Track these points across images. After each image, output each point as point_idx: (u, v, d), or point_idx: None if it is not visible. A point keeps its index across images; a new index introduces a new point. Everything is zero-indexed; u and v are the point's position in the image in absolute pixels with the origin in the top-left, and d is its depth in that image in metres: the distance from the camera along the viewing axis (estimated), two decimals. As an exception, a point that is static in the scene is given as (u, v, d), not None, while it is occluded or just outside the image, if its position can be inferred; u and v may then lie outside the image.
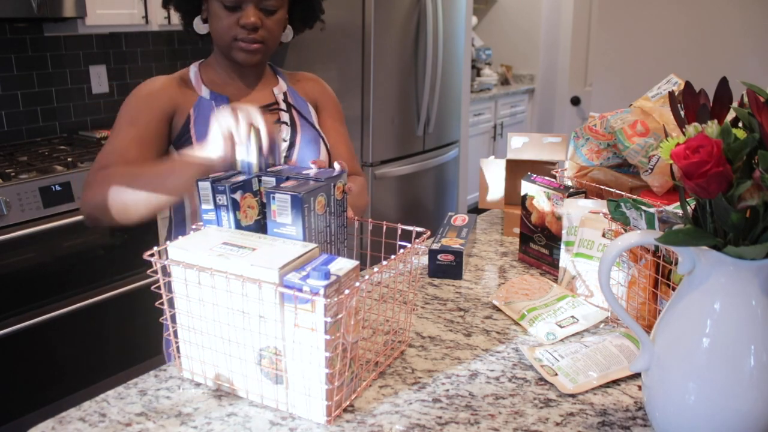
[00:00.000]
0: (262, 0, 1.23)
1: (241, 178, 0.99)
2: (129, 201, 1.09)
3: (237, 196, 0.95)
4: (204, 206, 0.98)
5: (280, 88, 1.38)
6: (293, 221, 0.93)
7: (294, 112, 1.37)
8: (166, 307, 0.94)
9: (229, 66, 1.33)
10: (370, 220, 1.11)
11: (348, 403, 0.90)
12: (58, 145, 2.62)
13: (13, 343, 2.15)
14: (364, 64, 3.16)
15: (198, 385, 0.95)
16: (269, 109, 1.34)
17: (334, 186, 1.01)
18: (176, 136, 1.26)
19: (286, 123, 1.33)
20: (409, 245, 1.00)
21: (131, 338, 2.48)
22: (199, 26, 1.31)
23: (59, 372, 2.30)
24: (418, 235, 1.02)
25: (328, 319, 0.80)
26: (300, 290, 0.80)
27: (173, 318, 0.95)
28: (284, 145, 1.31)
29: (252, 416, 0.88)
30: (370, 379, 0.95)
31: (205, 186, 0.96)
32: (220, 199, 0.96)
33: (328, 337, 0.81)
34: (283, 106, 1.36)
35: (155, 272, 0.91)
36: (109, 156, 1.19)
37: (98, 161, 1.20)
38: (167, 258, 0.90)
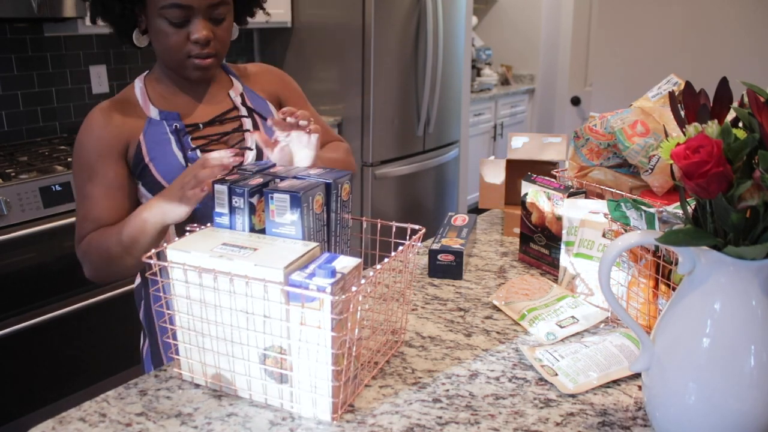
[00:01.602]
0: (210, 10, 1.13)
1: (259, 180, 0.98)
2: (113, 263, 1.12)
3: (254, 200, 0.95)
4: (218, 209, 0.97)
5: (236, 89, 1.30)
6: (292, 220, 0.93)
7: (255, 116, 1.28)
8: (165, 309, 0.94)
9: (177, 79, 1.23)
10: (365, 218, 1.12)
11: (351, 400, 0.90)
12: (58, 145, 2.62)
13: (13, 343, 2.15)
14: (364, 64, 3.16)
15: (198, 385, 0.95)
16: (227, 117, 1.25)
17: (341, 186, 1.01)
18: (133, 167, 1.19)
19: (249, 130, 1.26)
20: (405, 242, 1.00)
21: (131, 338, 2.48)
22: (140, 39, 1.20)
23: (59, 372, 2.30)
24: (414, 232, 1.03)
25: (335, 317, 0.80)
26: (307, 288, 0.80)
27: (171, 320, 0.95)
28: (252, 154, 1.24)
29: (252, 416, 0.88)
30: (370, 377, 0.95)
31: (222, 189, 0.96)
32: (236, 202, 0.95)
33: (334, 334, 0.81)
34: (243, 111, 1.27)
35: (154, 275, 0.91)
36: (83, 226, 1.16)
37: (77, 234, 1.18)
38: (166, 260, 0.90)
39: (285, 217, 0.93)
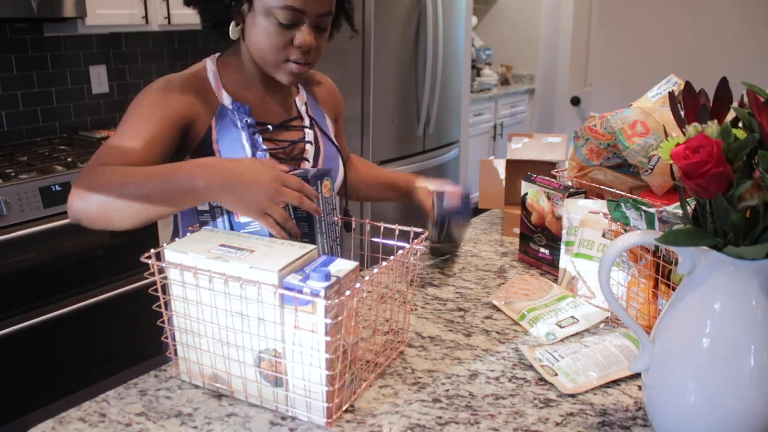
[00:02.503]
0: (319, 19, 1.10)
1: None
2: (117, 201, 0.96)
3: None
4: (200, 207, 0.99)
5: (302, 98, 1.28)
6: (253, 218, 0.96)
7: (316, 129, 1.27)
8: (163, 309, 0.94)
9: (256, 73, 1.19)
10: (368, 220, 1.11)
11: (348, 405, 0.89)
12: (58, 145, 2.62)
13: (13, 343, 2.15)
14: (364, 64, 3.16)
15: (198, 385, 0.95)
16: (292, 125, 1.24)
17: (321, 183, 1.01)
18: (196, 147, 1.13)
19: (310, 142, 1.23)
20: (407, 245, 1.00)
21: (131, 338, 2.48)
22: (236, 33, 1.14)
23: (59, 372, 2.30)
24: (416, 235, 1.03)
25: (329, 321, 0.79)
26: (300, 292, 0.80)
27: (170, 320, 0.95)
28: (307, 165, 1.22)
29: (252, 416, 0.88)
30: (370, 380, 0.95)
31: None
32: (215, 201, 0.97)
33: (328, 338, 0.80)
34: (306, 121, 1.26)
35: (152, 275, 0.91)
36: (108, 152, 1.04)
37: (96, 157, 1.04)
38: (164, 260, 0.90)
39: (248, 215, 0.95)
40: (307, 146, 1.23)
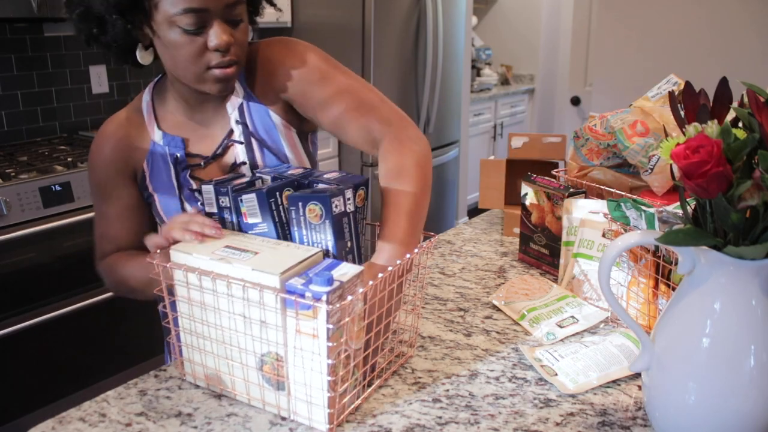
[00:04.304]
0: (227, 11, 0.98)
1: (244, 179, 0.99)
2: (128, 291, 1.13)
3: (244, 198, 0.95)
4: (207, 209, 0.98)
5: (234, 102, 1.10)
6: (263, 218, 0.93)
7: (252, 140, 1.10)
8: (168, 310, 0.94)
9: (184, 94, 1.08)
10: (378, 224, 1.03)
11: (350, 411, 0.88)
12: (58, 145, 2.62)
13: (13, 343, 2.15)
14: (364, 64, 3.16)
15: (198, 385, 0.95)
16: (227, 144, 1.10)
17: (355, 194, 0.92)
18: (142, 194, 1.14)
19: (244, 162, 1.10)
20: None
21: (131, 338, 2.48)
22: (144, 57, 1.04)
23: (59, 372, 2.30)
24: (424, 239, 1.01)
25: (330, 326, 0.78)
26: (302, 296, 0.78)
27: (175, 321, 0.95)
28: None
29: (252, 416, 0.88)
30: (376, 386, 0.94)
31: (209, 189, 0.97)
32: (223, 202, 0.96)
33: (330, 344, 0.79)
34: (237, 132, 1.10)
35: (158, 275, 0.91)
36: (101, 244, 1.15)
37: (97, 251, 1.17)
38: (169, 261, 0.90)
39: (256, 217, 0.93)
40: (243, 168, 1.10)
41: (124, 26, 0.98)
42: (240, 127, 1.10)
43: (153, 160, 1.10)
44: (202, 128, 1.11)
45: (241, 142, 1.10)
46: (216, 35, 0.97)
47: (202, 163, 1.10)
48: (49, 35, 2.70)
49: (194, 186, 1.09)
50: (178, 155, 1.09)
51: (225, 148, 1.11)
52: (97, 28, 1.00)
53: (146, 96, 1.13)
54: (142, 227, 1.14)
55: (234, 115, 1.10)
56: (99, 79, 2.92)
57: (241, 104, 1.10)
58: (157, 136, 1.10)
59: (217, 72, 1.00)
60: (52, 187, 2.20)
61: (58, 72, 2.78)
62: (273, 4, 1.12)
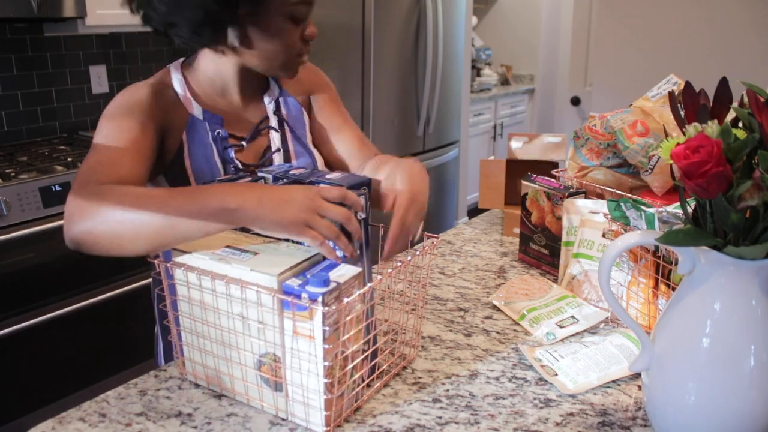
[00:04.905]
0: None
1: (248, 179, 0.97)
2: (133, 220, 0.83)
3: None
4: None
5: (272, 94, 1.19)
6: None
7: (286, 130, 1.18)
8: (169, 309, 0.94)
9: (231, 80, 1.12)
10: (381, 225, 1.03)
11: (348, 413, 0.88)
12: (58, 145, 2.62)
13: (13, 343, 2.15)
14: (364, 64, 3.16)
15: (198, 385, 0.95)
16: (261, 129, 1.16)
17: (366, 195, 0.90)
18: (170, 162, 1.06)
19: (279, 149, 1.16)
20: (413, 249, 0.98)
21: (131, 338, 2.48)
22: (233, 39, 1.05)
23: (59, 372, 2.30)
24: (426, 240, 1.01)
25: (327, 328, 0.78)
26: (298, 297, 0.78)
27: (176, 321, 0.95)
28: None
29: (252, 416, 0.88)
30: (375, 389, 0.93)
31: None
32: None
33: (326, 346, 0.79)
34: (273, 121, 1.17)
35: (158, 275, 0.91)
36: (95, 169, 0.92)
37: (80, 177, 0.91)
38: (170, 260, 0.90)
39: None
40: (275, 156, 1.15)
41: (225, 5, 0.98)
42: (276, 117, 1.18)
43: (192, 133, 1.08)
44: (236, 112, 1.15)
45: (277, 130, 1.17)
46: (311, 26, 1.08)
47: (244, 144, 1.13)
48: (49, 35, 2.70)
49: (239, 165, 1.11)
50: (219, 131, 1.10)
51: (259, 132, 1.16)
52: (213, 23, 1.00)
53: (176, 74, 1.12)
54: (143, 177, 0.99)
55: (271, 106, 1.18)
56: (99, 79, 2.92)
57: (278, 98, 1.20)
58: (197, 111, 1.10)
59: (302, 58, 1.10)
60: (52, 187, 2.20)
61: (58, 72, 2.78)
62: None
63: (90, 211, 0.85)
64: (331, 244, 0.83)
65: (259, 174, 1.01)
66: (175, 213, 0.83)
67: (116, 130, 0.98)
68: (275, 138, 1.16)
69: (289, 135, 1.19)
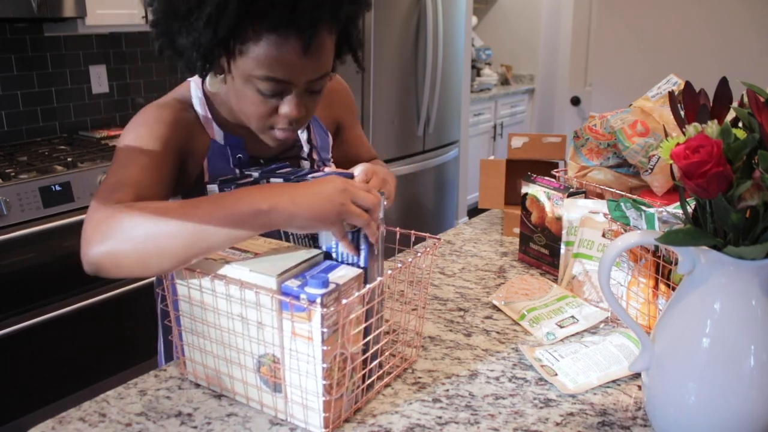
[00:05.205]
0: (310, 85, 0.94)
1: (249, 179, 0.97)
2: (158, 236, 0.79)
3: None
4: None
5: None
6: None
7: (315, 158, 1.14)
8: (171, 309, 0.94)
9: None
10: (382, 226, 1.05)
11: (348, 415, 0.88)
12: (58, 145, 2.62)
13: (13, 343, 2.15)
14: (364, 64, 3.16)
15: (198, 385, 0.95)
16: (290, 155, 1.12)
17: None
18: (191, 185, 1.02)
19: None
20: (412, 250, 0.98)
21: (131, 338, 2.48)
22: (215, 84, 0.99)
23: (59, 372, 2.30)
24: (427, 240, 1.00)
25: (325, 330, 0.77)
26: (297, 298, 0.78)
27: (176, 321, 0.95)
28: None
29: (252, 416, 0.88)
30: (375, 391, 0.93)
31: (213, 189, 0.96)
32: None
33: (325, 347, 0.78)
34: (305, 150, 1.12)
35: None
36: (115, 188, 0.88)
37: (98, 198, 0.87)
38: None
39: None
40: None
41: (203, 52, 0.92)
42: (308, 145, 1.14)
43: (214, 159, 1.03)
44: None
45: (306, 159, 1.13)
46: (291, 106, 0.94)
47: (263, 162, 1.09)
48: (49, 35, 2.70)
49: None
50: (240, 156, 1.04)
51: (287, 156, 1.11)
52: (177, 54, 0.95)
53: (196, 92, 1.05)
54: (163, 198, 0.95)
55: (303, 135, 1.13)
56: (99, 79, 2.92)
57: (310, 125, 1.14)
58: (218, 135, 1.04)
59: (278, 133, 0.98)
60: (52, 187, 2.20)
61: (58, 72, 2.78)
62: (357, 61, 1.06)
63: (110, 230, 0.80)
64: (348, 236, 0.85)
65: (246, 172, 1.00)
66: (203, 221, 0.79)
67: (136, 151, 0.94)
68: (304, 166, 1.12)
69: (317, 161, 1.15)
